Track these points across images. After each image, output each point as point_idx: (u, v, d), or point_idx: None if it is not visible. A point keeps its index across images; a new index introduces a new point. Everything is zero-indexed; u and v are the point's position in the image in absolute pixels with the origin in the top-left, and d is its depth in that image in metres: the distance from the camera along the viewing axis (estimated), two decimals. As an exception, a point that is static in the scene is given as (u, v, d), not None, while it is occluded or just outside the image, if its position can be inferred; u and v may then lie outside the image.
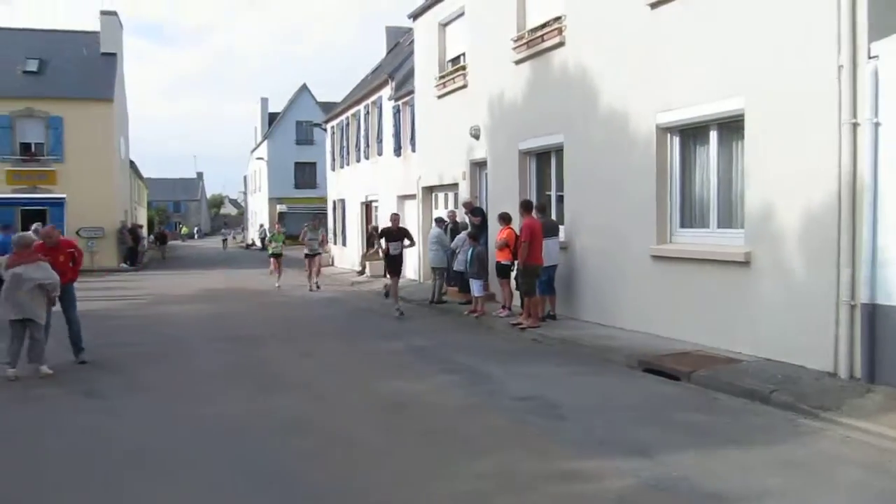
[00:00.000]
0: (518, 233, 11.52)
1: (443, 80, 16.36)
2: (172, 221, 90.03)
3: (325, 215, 31.51)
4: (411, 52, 19.97)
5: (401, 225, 14.35)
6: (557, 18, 11.83)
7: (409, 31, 21.06)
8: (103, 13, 32.51)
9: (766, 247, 7.95)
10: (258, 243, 46.40)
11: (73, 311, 9.26)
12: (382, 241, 13.90)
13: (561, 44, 11.74)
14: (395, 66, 22.56)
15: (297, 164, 52.07)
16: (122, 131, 34.21)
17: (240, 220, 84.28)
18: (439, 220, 15.77)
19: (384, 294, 15.62)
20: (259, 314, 14.73)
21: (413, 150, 19.66)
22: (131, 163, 39.56)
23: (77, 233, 26.96)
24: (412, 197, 19.69)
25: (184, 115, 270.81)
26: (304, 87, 54.33)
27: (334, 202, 30.61)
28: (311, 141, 50.50)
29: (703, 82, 8.72)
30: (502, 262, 12.11)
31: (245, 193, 71.63)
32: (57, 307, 8.90)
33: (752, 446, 5.44)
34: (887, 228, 6.62)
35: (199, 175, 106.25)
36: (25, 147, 28.65)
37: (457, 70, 15.78)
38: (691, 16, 8.96)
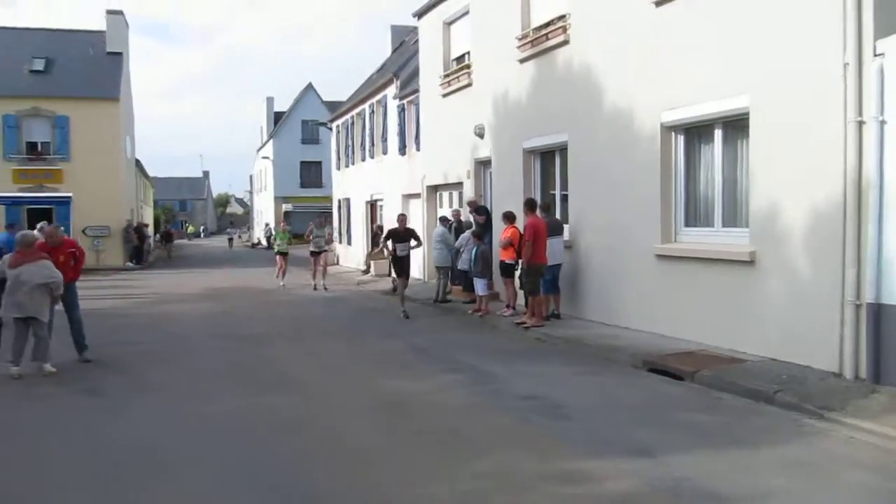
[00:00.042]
0: (522, 232, 11.50)
1: (447, 79, 16.35)
2: (178, 220, 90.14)
3: (330, 214, 31.54)
4: (416, 51, 19.95)
5: (408, 225, 14.22)
6: (562, 17, 11.79)
7: (414, 29, 21.02)
8: (109, 12, 32.65)
9: (771, 246, 7.90)
10: (264, 242, 46.51)
11: (76, 310, 9.28)
12: (389, 242, 13.66)
13: (565, 42, 11.71)
14: (400, 65, 22.56)
15: (302, 163, 52.17)
16: (128, 130, 34.32)
17: (246, 220, 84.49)
18: (444, 219, 15.76)
19: (392, 290, 15.48)
20: (264, 313, 14.75)
21: (418, 149, 19.65)
22: (137, 162, 39.68)
23: (83, 232, 27.10)
24: (417, 196, 19.70)
25: (190, 114, 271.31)
26: (310, 87, 54.37)
27: (339, 201, 30.63)
28: (316, 140, 50.59)
29: (708, 80, 8.68)
30: (506, 261, 12.09)
31: (251, 192, 71.79)
32: (59, 306, 8.93)
33: (755, 447, 5.40)
34: (893, 227, 6.56)
35: (205, 174, 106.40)
36: (32, 146, 28.80)
37: (461, 69, 15.76)
38: (696, 14, 8.92)
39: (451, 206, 17.32)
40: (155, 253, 39.06)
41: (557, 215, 12.15)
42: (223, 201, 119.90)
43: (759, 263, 8.06)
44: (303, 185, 51.64)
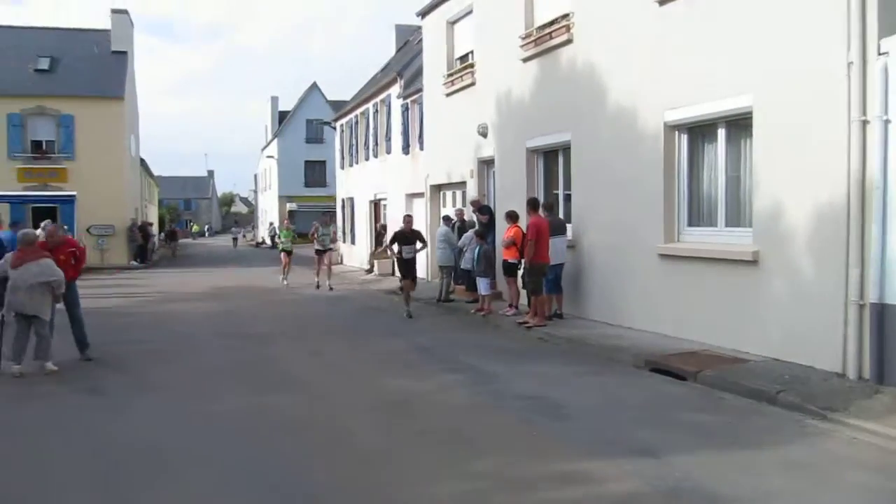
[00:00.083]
0: (525, 231, 11.49)
1: (451, 78, 16.34)
2: (183, 219, 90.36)
3: (334, 213, 31.55)
4: (420, 51, 19.94)
5: (413, 227, 14.12)
6: (565, 16, 11.78)
7: (418, 29, 21.02)
8: (114, 11, 32.65)
9: (775, 246, 7.88)
10: (268, 241, 46.56)
11: (77, 308, 9.29)
12: (395, 246, 13.60)
13: (569, 41, 11.69)
14: (404, 64, 22.55)
15: (307, 162, 52.18)
16: (133, 129, 34.37)
17: (250, 219, 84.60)
18: (447, 219, 15.75)
19: (400, 289, 15.41)
20: (268, 312, 14.75)
21: (421, 149, 19.64)
22: (142, 161, 39.74)
23: (87, 230, 27.14)
24: (420, 195, 19.68)
25: (194, 112, 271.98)
26: (315, 86, 54.40)
27: (343, 200, 30.64)
28: (321, 139, 50.57)
29: (712, 80, 8.65)
30: (509, 261, 12.08)
31: (255, 191, 71.88)
32: (60, 305, 8.94)
33: (758, 447, 5.38)
34: (897, 227, 6.54)
35: (210, 173, 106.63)
36: (37, 145, 28.86)
37: (465, 68, 15.75)
38: (699, 13, 8.89)
39: (454, 205, 17.31)
40: (159, 252, 39.10)
41: (561, 215, 12.13)
42: (228, 200, 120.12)
43: (763, 263, 8.03)
44: (307, 185, 51.67)
